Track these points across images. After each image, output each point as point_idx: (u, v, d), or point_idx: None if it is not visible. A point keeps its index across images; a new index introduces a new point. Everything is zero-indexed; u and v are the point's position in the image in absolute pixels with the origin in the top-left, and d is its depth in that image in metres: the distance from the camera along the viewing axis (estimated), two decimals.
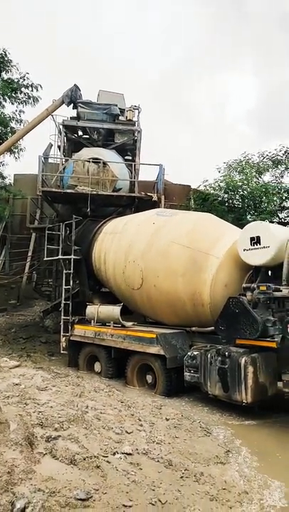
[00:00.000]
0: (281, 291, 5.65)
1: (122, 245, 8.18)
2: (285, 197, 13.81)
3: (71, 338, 8.28)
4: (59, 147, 12.02)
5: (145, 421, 4.75)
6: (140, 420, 4.72)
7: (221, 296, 6.21)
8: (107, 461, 3.57)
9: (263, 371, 5.39)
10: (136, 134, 12.23)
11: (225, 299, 5.97)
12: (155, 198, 10.31)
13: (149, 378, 6.81)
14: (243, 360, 5.33)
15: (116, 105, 12.17)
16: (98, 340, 7.63)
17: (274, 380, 5.51)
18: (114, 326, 7.50)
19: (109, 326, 7.59)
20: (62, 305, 9.02)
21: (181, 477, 3.51)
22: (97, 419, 4.56)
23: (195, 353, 6.09)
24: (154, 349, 6.49)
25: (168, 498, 3.15)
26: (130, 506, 2.97)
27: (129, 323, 7.67)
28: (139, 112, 12.87)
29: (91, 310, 8.13)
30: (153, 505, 3.06)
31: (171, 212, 8.73)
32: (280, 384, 5.47)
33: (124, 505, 2.98)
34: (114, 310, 7.65)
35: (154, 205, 10.42)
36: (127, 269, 7.79)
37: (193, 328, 6.83)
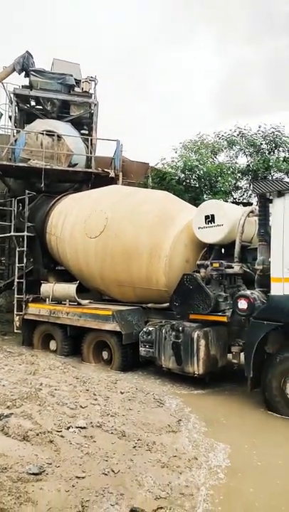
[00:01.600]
0: (233, 268, 5.85)
1: (87, 204, 8.00)
2: (239, 177, 14.15)
3: (25, 317, 8.10)
4: (10, 117, 11.36)
5: (100, 395, 4.81)
6: (95, 395, 4.78)
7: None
8: (61, 436, 3.59)
9: (214, 344, 5.62)
10: (92, 107, 11.82)
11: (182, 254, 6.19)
12: (112, 174, 10.13)
13: (105, 354, 6.87)
14: (195, 334, 5.51)
15: (71, 75, 11.64)
16: (53, 319, 7.54)
17: (224, 352, 5.78)
18: (70, 304, 7.42)
19: (64, 304, 7.50)
20: (15, 283, 8.75)
21: (134, 447, 3.61)
22: (52, 396, 4.55)
23: (150, 328, 6.21)
24: (110, 326, 6.53)
25: (121, 467, 3.24)
26: (83, 478, 3.02)
27: (85, 301, 7.63)
28: (95, 84, 12.43)
29: (46, 288, 7.97)
30: (106, 475, 3.14)
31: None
32: (229, 356, 5.74)
33: (77, 476, 3.02)
34: (70, 288, 7.55)
35: (112, 181, 10.24)
36: (91, 218, 7.53)
37: (149, 305, 6.93)
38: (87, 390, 4.92)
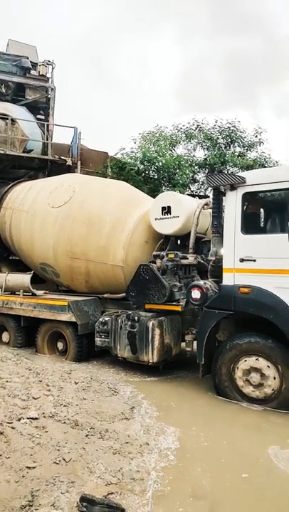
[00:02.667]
0: (188, 258, 5.99)
1: (53, 180, 7.89)
2: (197, 170, 14.42)
3: None
4: None
5: (54, 386, 4.76)
6: (48, 386, 4.72)
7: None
8: (12, 427, 3.52)
9: (169, 333, 5.74)
10: (49, 92, 11.46)
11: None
12: (69, 162, 9.92)
13: (60, 345, 6.79)
14: (150, 324, 5.60)
15: (27, 58, 11.18)
16: (6, 310, 7.30)
17: (178, 340, 5.92)
18: (24, 295, 7.23)
19: (18, 294, 7.29)
20: None
21: (87, 435, 3.63)
22: (2, 388, 4.44)
23: (106, 318, 6.21)
24: (66, 316, 6.45)
25: (72, 456, 3.24)
26: (34, 468, 3.00)
27: (40, 292, 7.47)
28: (53, 68, 12.03)
29: None
30: (57, 464, 3.13)
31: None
32: (183, 344, 5.90)
33: (27, 467, 2.99)
34: (24, 278, 7.34)
35: (69, 169, 10.03)
36: (57, 190, 7.36)
37: (106, 295, 6.93)
38: (40, 381, 4.85)
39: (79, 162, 11.18)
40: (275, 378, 4.48)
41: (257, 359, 4.59)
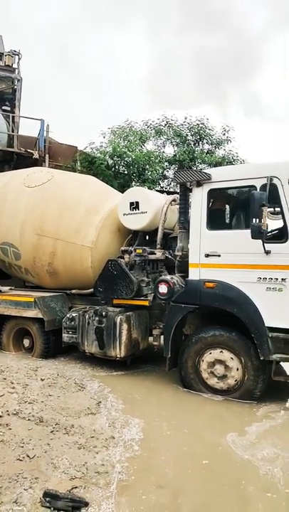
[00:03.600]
0: (155, 254, 6.04)
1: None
2: (167, 166, 14.51)
3: None
4: None
5: (18, 383, 4.68)
6: (13, 383, 4.63)
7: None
8: None
9: (136, 328, 5.78)
10: (15, 83, 11.15)
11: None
12: (36, 155, 9.71)
13: (26, 342, 6.67)
14: (118, 319, 5.61)
15: None
16: None
17: (146, 335, 5.98)
18: None
19: None
20: None
21: (52, 431, 3.61)
22: None
23: (74, 314, 6.16)
24: (32, 313, 6.34)
25: (36, 452, 3.22)
26: None
27: (6, 288, 7.28)
28: (19, 59, 11.71)
29: None
30: (21, 460, 3.10)
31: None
32: (151, 339, 5.96)
33: None
34: None
35: (36, 163, 9.83)
36: (36, 173, 7.37)
37: (73, 291, 6.86)
38: (5, 379, 4.75)
39: (47, 156, 10.98)
40: (238, 370, 4.63)
41: (221, 351, 4.71)
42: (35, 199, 6.84)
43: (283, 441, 3.69)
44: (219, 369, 4.70)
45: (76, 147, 15.31)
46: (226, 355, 4.68)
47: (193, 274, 4.98)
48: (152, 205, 6.15)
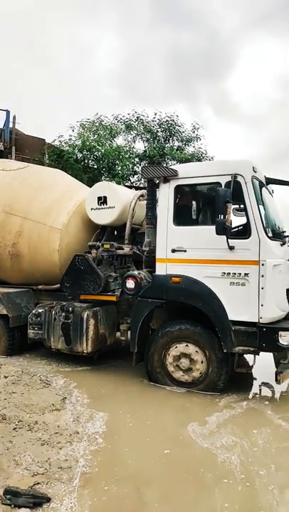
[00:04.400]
0: (123, 249, 6.03)
1: None
2: (137, 162, 14.50)
3: None
4: None
5: None
6: None
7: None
8: None
9: (104, 323, 5.77)
10: None
11: None
12: (1, 147, 9.42)
13: None
14: (85, 314, 5.57)
15: None
16: None
17: (113, 330, 5.97)
18: None
19: None
20: None
21: (14, 429, 3.56)
22: None
23: (40, 310, 6.06)
24: None
25: None
26: None
27: None
28: None
29: None
30: None
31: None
32: (118, 334, 5.96)
33: None
34: None
35: (1, 155, 9.54)
36: (11, 163, 7.56)
37: (40, 287, 6.72)
38: None
39: (13, 148, 10.68)
40: (202, 362, 4.73)
41: (186, 345, 4.80)
42: (9, 180, 6.70)
43: (241, 429, 3.84)
44: (184, 362, 4.78)
45: (44, 140, 15.00)
46: (191, 349, 4.77)
47: (160, 269, 5.02)
48: (120, 200, 6.13)
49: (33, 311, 6.12)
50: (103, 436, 3.58)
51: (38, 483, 2.81)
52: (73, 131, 14.13)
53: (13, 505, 2.54)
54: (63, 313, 5.75)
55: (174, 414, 4.24)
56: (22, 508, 2.52)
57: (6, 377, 4.83)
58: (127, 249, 6.04)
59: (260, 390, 5.17)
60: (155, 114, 15.08)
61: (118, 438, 3.60)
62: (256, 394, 4.98)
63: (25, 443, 3.34)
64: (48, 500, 2.64)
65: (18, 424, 3.62)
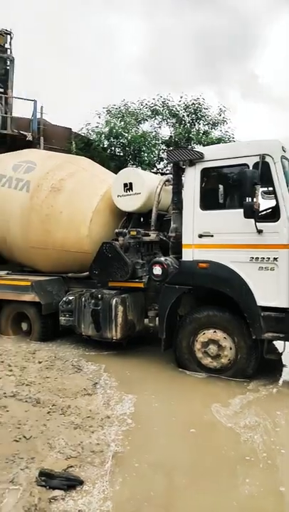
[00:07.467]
0: (150, 235, 6.01)
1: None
2: (163, 148, 14.28)
3: None
4: None
5: (16, 366, 4.76)
6: (10, 366, 4.71)
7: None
8: None
9: (132, 310, 5.81)
10: (8, 63, 10.87)
11: None
12: (30, 137, 9.54)
13: (24, 326, 6.72)
14: (114, 301, 5.64)
15: None
16: None
17: (141, 317, 6.02)
18: None
19: None
20: None
21: (48, 412, 3.68)
22: None
23: (70, 297, 6.19)
24: (29, 296, 6.36)
25: (33, 433, 3.29)
26: None
27: (3, 272, 7.30)
28: (11, 38, 11.39)
29: None
30: (17, 441, 3.17)
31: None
32: (146, 320, 6.00)
33: None
34: None
35: (30, 145, 9.67)
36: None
37: (70, 275, 6.86)
38: (2, 362, 4.83)
39: (42, 138, 10.80)
40: (231, 349, 4.68)
41: (215, 331, 4.75)
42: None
43: (265, 411, 3.88)
44: (213, 349, 4.75)
45: (70, 129, 15.07)
46: (219, 335, 4.72)
47: (187, 255, 4.96)
48: (146, 186, 6.08)
49: (64, 299, 6.26)
50: (132, 418, 3.71)
51: (71, 467, 2.90)
52: (100, 117, 14.10)
53: (47, 487, 2.64)
54: (93, 301, 5.85)
55: (198, 396, 4.34)
56: (56, 490, 2.60)
57: (40, 362, 5.00)
58: (153, 235, 6.02)
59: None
60: (181, 98, 14.72)
61: (146, 419, 3.74)
62: (284, 380, 4.90)
63: (58, 427, 3.45)
64: (81, 483, 2.72)
65: (52, 408, 3.75)
